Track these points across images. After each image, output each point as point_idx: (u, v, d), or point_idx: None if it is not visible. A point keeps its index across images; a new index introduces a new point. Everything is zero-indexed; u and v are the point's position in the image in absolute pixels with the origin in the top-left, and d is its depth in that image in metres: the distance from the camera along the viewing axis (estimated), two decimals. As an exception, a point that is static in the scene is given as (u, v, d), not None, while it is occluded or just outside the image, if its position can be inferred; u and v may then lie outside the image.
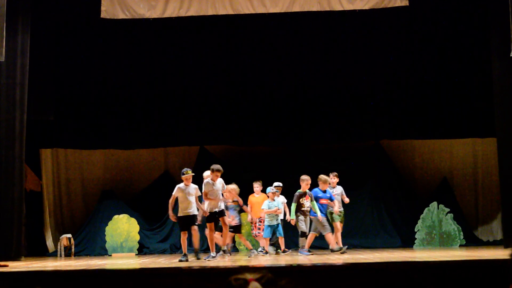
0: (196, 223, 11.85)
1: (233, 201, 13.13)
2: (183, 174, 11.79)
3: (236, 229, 13.44)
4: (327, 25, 15.68)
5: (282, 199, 13.64)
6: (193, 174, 11.90)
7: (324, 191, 13.10)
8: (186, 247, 11.81)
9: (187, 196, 11.67)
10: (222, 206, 11.90)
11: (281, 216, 13.50)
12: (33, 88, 13.51)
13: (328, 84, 16.43)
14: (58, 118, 15.82)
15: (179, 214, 11.80)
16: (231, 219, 12.90)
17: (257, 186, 14.18)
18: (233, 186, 13.17)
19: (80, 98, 16.36)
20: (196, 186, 11.85)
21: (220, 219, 11.87)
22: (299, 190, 12.99)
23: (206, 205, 11.78)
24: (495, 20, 13.47)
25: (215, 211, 11.73)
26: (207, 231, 12.23)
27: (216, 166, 11.82)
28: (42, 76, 14.68)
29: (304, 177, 13.07)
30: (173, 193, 11.81)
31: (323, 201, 13.03)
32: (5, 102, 13.03)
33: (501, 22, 12.74)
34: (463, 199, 16.67)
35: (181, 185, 11.78)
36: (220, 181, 11.86)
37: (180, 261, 11.29)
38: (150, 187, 16.71)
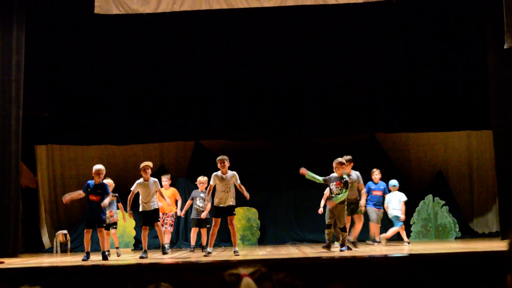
0: (158, 219, 11.75)
1: (112, 196, 12.69)
2: (140, 166, 11.61)
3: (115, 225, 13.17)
4: (322, 19, 15.65)
5: None
6: (150, 164, 11.65)
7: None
8: (146, 243, 11.60)
9: (148, 191, 11.49)
10: (230, 202, 11.31)
11: None
12: (27, 84, 13.47)
13: (323, 78, 16.41)
14: (53, 114, 15.77)
15: (140, 209, 11.63)
16: (109, 214, 12.62)
17: (165, 180, 14.03)
18: (109, 181, 12.88)
19: (75, 94, 16.31)
20: (156, 180, 11.66)
21: (228, 218, 11.27)
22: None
23: (214, 199, 11.47)
24: (489, 13, 13.48)
25: (221, 207, 11.28)
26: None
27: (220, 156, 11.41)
28: (36, 72, 14.63)
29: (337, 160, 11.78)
30: (132, 189, 11.62)
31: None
32: (0, 99, 13.00)
33: (495, 14, 12.75)
34: (458, 191, 16.71)
35: (140, 180, 11.59)
36: (231, 174, 11.32)
37: (141, 257, 11.05)
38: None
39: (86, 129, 16.49)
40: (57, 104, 16.01)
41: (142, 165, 11.63)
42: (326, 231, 11.58)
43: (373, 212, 13.88)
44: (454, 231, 15.56)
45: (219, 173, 11.27)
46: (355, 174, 11.87)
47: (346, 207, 11.76)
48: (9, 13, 13.00)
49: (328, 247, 11.29)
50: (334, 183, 11.56)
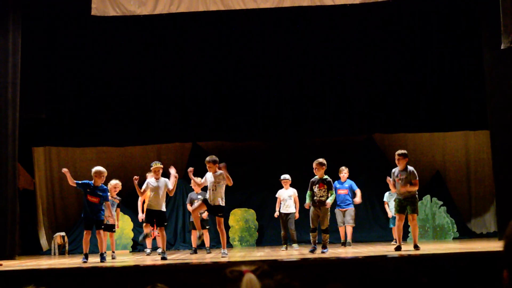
0: (165, 223, 11.61)
1: (115, 199, 12.59)
2: (151, 166, 11.52)
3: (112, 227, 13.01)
4: (319, 20, 15.68)
5: (291, 192, 13.65)
6: (161, 166, 11.57)
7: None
8: (151, 242, 11.65)
9: (158, 191, 11.34)
10: (217, 202, 11.14)
11: (291, 210, 13.55)
12: (24, 86, 13.45)
13: (321, 78, 16.44)
14: (50, 116, 15.77)
15: (147, 207, 11.50)
16: (109, 215, 12.42)
17: None
18: (117, 182, 12.86)
19: (72, 95, 16.33)
20: (167, 180, 11.49)
21: (216, 218, 11.25)
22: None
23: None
24: (485, 12, 13.48)
25: (208, 203, 11.19)
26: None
27: (207, 158, 11.32)
28: (33, 74, 14.62)
29: (316, 160, 11.67)
30: (143, 188, 11.49)
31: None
32: (-3, 101, 13.00)
33: (491, 14, 12.75)
34: (456, 192, 16.73)
35: (151, 179, 11.48)
36: (219, 172, 11.13)
37: (148, 254, 11.07)
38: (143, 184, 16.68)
39: (84, 131, 16.49)
40: (55, 106, 16.01)
41: (153, 166, 11.50)
42: (312, 235, 11.57)
43: (338, 216, 13.96)
44: (452, 231, 15.56)
45: (208, 173, 11.24)
46: (410, 168, 11.51)
47: (329, 209, 11.61)
48: (5, 14, 12.99)
49: (314, 250, 11.25)
50: (317, 185, 11.48)
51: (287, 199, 13.56)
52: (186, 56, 16.39)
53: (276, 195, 13.87)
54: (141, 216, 11.75)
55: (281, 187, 13.77)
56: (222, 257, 10.81)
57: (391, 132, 16.92)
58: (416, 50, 16.21)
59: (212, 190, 11.14)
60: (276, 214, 13.78)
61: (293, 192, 13.62)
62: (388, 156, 16.66)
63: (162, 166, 11.63)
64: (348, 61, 16.37)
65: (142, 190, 11.59)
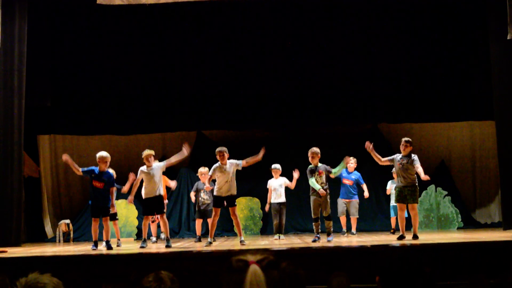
0: (164, 210, 11.59)
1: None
2: (142, 156, 11.48)
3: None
4: (324, 8, 15.63)
5: (282, 181, 13.68)
6: (152, 152, 11.55)
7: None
8: (146, 232, 11.63)
9: (152, 178, 11.33)
10: (230, 192, 11.29)
11: (282, 199, 13.55)
12: (29, 74, 13.46)
13: (326, 67, 16.40)
14: (55, 104, 15.79)
15: (144, 197, 11.48)
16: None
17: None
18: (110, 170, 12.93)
19: (77, 83, 16.32)
20: (160, 164, 11.47)
21: (230, 209, 11.32)
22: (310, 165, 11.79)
23: (214, 189, 11.46)
24: (492, 3, 13.43)
25: (222, 196, 11.27)
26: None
27: (218, 148, 11.37)
28: (38, 62, 14.62)
29: (312, 149, 11.71)
30: (137, 178, 11.47)
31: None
32: (3, 89, 12.99)
33: (498, 5, 12.72)
34: (461, 182, 16.72)
35: (143, 167, 11.43)
36: (230, 164, 11.26)
37: (141, 247, 11.07)
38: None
39: (89, 119, 16.51)
40: (60, 94, 16.02)
41: (144, 154, 11.52)
42: (314, 225, 11.56)
43: (340, 205, 13.98)
44: (456, 221, 15.56)
45: (218, 164, 11.23)
46: (414, 156, 11.49)
47: (329, 196, 11.64)
48: (11, 2, 12.98)
49: (318, 240, 11.24)
50: (316, 173, 11.52)
51: (278, 188, 13.63)
52: (191, 45, 16.36)
53: (267, 186, 13.89)
54: (130, 198, 11.70)
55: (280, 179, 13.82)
56: (241, 245, 10.80)
57: (396, 122, 16.90)
58: (422, 40, 16.16)
59: (227, 182, 11.19)
60: (267, 207, 13.81)
61: (283, 181, 13.67)
62: (393, 146, 16.64)
63: (152, 152, 11.58)
64: (353, 50, 16.32)
65: (136, 180, 11.51)
